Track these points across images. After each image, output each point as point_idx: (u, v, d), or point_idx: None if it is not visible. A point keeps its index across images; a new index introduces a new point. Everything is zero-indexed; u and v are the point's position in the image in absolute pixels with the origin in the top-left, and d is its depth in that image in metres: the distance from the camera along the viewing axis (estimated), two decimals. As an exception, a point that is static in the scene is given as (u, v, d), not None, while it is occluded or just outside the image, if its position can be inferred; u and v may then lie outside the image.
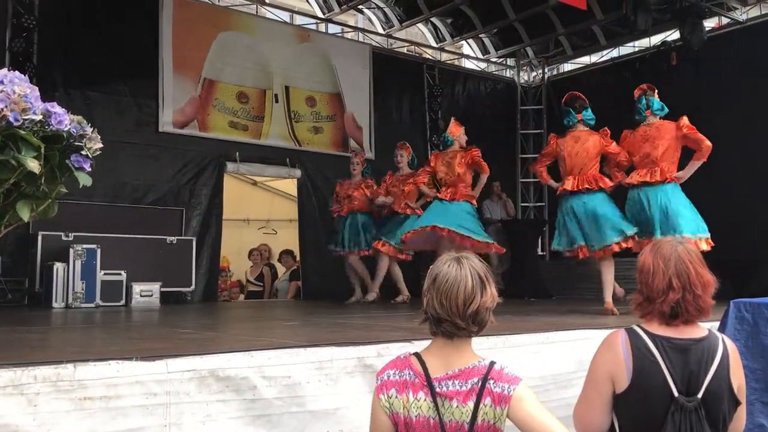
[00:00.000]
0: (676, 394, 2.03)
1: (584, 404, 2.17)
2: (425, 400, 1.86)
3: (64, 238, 6.97)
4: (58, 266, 6.65)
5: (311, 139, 9.56)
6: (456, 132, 7.17)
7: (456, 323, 1.86)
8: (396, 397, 1.88)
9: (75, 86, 7.72)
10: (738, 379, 2.13)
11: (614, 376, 2.09)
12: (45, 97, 2.56)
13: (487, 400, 1.83)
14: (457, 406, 1.84)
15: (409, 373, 1.90)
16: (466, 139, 7.18)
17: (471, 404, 1.83)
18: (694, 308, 2.09)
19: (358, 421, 2.70)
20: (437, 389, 1.86)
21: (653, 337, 2.10)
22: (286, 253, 10.09)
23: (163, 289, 7.25)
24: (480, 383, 1.85)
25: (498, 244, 7.37)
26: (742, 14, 9.36)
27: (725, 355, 2.10)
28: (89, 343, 3.58)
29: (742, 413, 2.16)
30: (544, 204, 11.71)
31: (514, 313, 5.31)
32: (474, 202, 7.04)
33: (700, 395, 2.04)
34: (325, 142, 9.76)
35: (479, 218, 7.38)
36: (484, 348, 3.10)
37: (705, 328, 2.16)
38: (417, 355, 1.95)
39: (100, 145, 2.67)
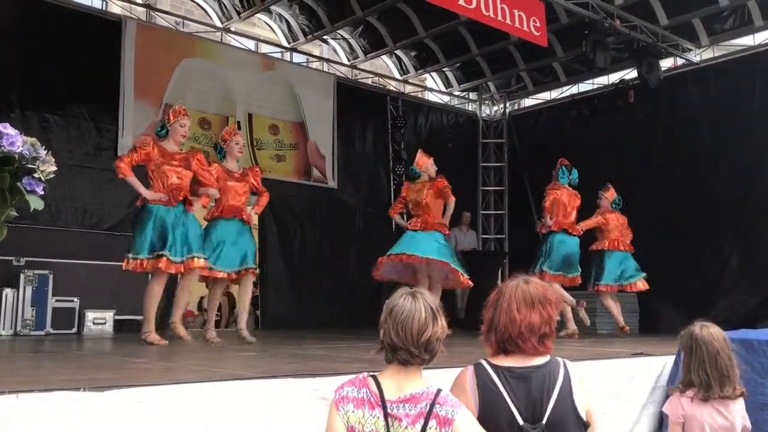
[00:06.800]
0: (521, 422, 2.10)
1: None
2: (379, 418, 1.99)
3: (15, 263, 6.77)
4: (8, 292, 6.46)
5: (273, 167, 9.51)
6: (423, 163, 7.05)
7: (410, 351, 2.02)
8: (353, 411, 2.02)
9: (32, 108, 7.57)
10: (584, 401, 2.18)
11: None
12: (0, 117, 2.51)
13: (433, 422, 1.97)
14: (406, 427, 1.98)
15: (366, 392, 2.04)
16: (436, 169, 7.06)
17: (419, 426, 1.97)
18: (513, 345, 2.18)
19: (313, 456, 2.64)
20: (389, 411, 2.00)
21: (496, 369, 2.19)
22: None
23: (117, 317, 7.08)
24: (428, 407, 1.99)
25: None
26: (696, 56, 9.68)
27: (567, 379, 2.17)
28: (34, 372, 3.45)
29: None
30: (504, 236, 11.81)
31: (474, 345, 5.28)
32: (446, 231, 6.93)
33: (544, 421, 2.10)
34: (287, 171, 9.72)
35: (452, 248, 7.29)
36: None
37: (547, 355, 2.23)
38: (373, 376, 2.08)
39: (54, 168, 2.61)
